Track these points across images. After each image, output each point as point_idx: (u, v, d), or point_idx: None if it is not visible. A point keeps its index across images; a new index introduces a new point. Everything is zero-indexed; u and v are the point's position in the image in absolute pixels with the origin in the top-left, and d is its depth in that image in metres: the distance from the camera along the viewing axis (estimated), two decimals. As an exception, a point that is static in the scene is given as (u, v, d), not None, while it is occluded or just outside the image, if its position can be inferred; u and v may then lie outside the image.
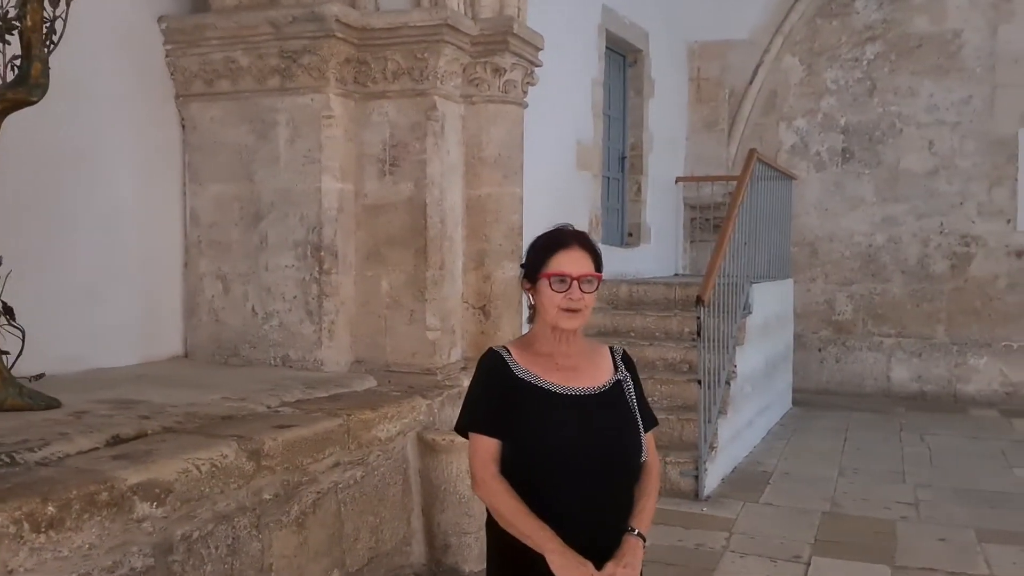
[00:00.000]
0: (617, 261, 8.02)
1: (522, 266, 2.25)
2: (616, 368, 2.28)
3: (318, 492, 3.37)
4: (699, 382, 5.66)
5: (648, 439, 2.27)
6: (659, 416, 5.83)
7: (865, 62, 9.61)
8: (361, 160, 4.69)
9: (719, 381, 6.04)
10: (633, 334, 6.80)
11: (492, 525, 2.20)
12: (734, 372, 6.36)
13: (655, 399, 6.14)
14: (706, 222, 9.43)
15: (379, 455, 3.79)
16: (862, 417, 8.40)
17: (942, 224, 9.42)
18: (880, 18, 9.54)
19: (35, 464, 2.58)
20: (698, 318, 5.64)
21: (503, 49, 4.77)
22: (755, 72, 9.73)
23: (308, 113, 4.55)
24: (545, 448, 2.10)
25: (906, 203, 9.52)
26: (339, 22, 4.41)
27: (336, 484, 3.49)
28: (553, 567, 2.01)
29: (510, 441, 2.13)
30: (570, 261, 2.14)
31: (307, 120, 4.55)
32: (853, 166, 9.70)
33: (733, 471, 6.27)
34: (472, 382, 2.27)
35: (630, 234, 8.71)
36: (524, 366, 2.19)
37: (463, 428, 2.23)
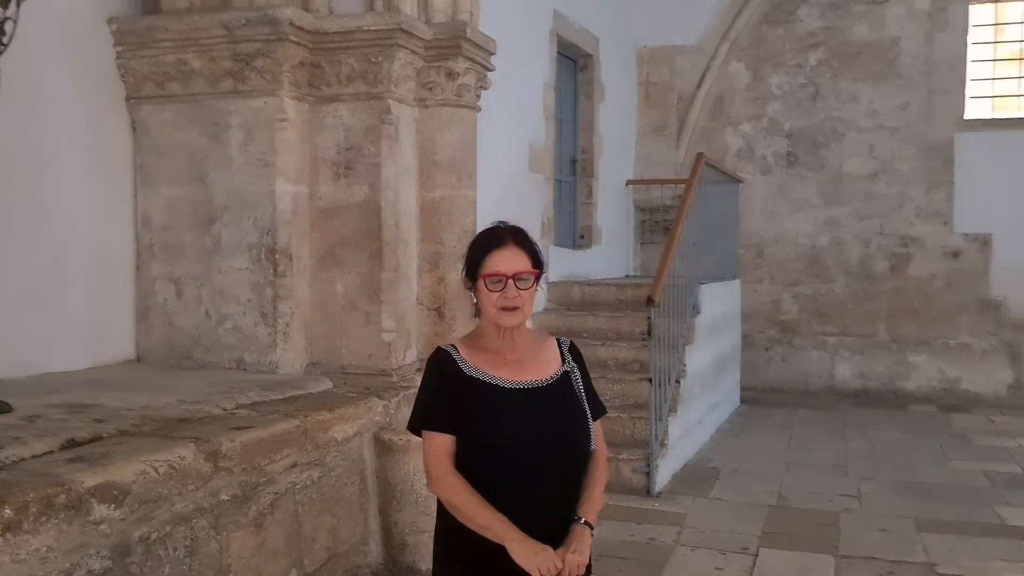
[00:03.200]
0: (569, 263, 8.12)
1: (464, 266, 2.26)
2: (563, 359, 2.32)
3: (276, 493, 3.39)
4: (650, 381, 5.77)
5: (596, 428, 2.31)
6: (612, 415, 5.97)
7: (808, 68, 9.85)
8: (315, 163, 4.70)
9: (669, 380, 6.16)
10: (586, 334, 6.89)
11: (443, 522, 2.23)
12: (684, 371, 6.49)
13: (607, 398, 6.23)
14: (656, 224, 9.58)
15: (336, 456, 3.82)
16: (808, 414, 8.61)
17: (882, 226, 9.69)
18: (823, 26, 9.79)
19: (-9, 468, 2.57)
20: (649, 318, 5.75)
21: (456, 53, 4.82)
22: (703, 77, 9.92)
23: (262, 116, 4.55)
24: (497, 442, 2.14)
25: (848, 205, 9.78)
26: (293, 25, 4.43)
27: (294, 485, 3.51)
28: (514, 556, 2.05)
29: (463, 437, 2.17)
30: (504, 260, 2.17)
31: (261, 123, 4.55)
32: (797, 169, 9.94)
33: (683, 467, 6.39)
34: (422, 381, 2.29)
35: (582, 236, 8.81)
36: (472, 363, 2.23)
37: (416, 427, 2.26)
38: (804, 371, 9.91)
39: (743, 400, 9.10)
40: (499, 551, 2.08)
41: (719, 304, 7.93)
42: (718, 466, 6.51)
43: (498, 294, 2.16)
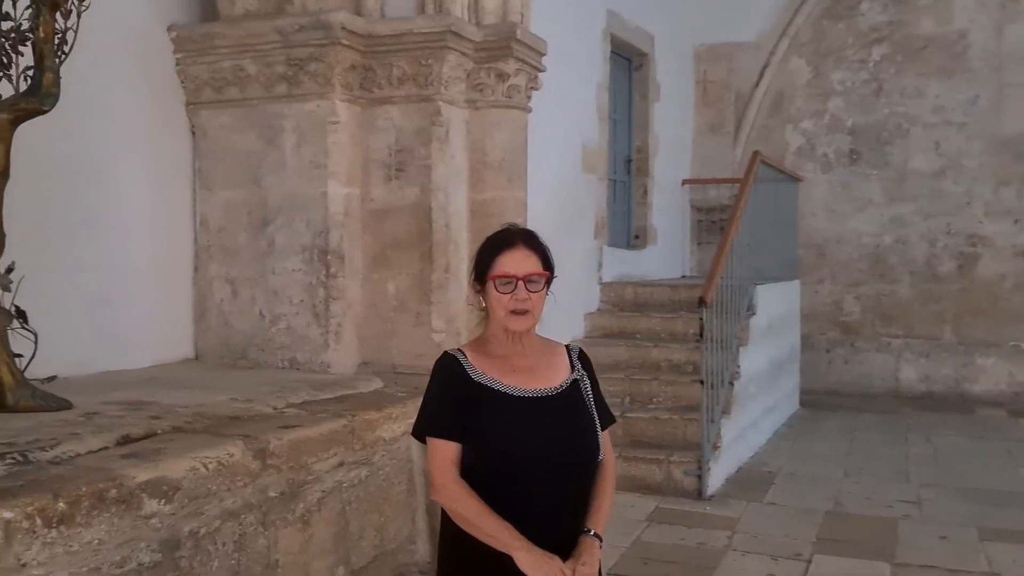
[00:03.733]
0: (623, 263, 8.08)
1: (472, 269, 2.22)
2: (573, 367, 2.27)
3: (323, 491, 3.45)
4: (701, 382, 5.71)
5: (605, 437, 2.26)
6: (663, 416, 5.94)
7: (871, 63, 9.63)
8: (367, 165, 4.76)
9: (723, 382, 6.09)
10: (638, 335, 6.85)
11: (447, 530, 2.20)
12: (738, 373, 6.41)
13: (660, 399, 6.21)
14: (712, 224, 9.46)
15: (384, 455, 3.86)
16: (869, 418, 8.42)
17: (949, 224, 9.43)
18: (886, 20, 9.57)
19: (47, 463, 2.66)
20: (701, 319, 5.70)
21: (507, 55, 4.83)
22: (761, 74, 9.77)
23: (314, 119, 4.62)
24: (505, 451, 2.10)
25: (913, 204, 9.54)
26: (345, 29, 4.49)
27: (341, 483, 3.56)
28: (521, 565, 2.01)
29: (469, 445, 2.12)
30: (514, 261, 2.12)
31: (313, 126, 4.63)
32: (860, 167, 9.73)
33: (737, 471, 6.31)
34: (428, 386, 2.24)
35: (636, 236, 8.76)
36: (480, 369, 2.17)
37: (421, 433, 2.22)
38: (867, 374, 9.70)
39: (802, 403, 8.94)
40: (504, 560, 2.04)
41: (776, 305, 7.81)
42: (774, 470, 6.41)
43: (508, 296, 2.11)
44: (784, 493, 5.83)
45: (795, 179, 8.91)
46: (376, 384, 4.43)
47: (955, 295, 9.43)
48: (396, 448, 3.95)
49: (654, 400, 6.18)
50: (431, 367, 4.61)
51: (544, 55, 5.09)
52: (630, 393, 6.18)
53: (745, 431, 6.65)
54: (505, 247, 2.15)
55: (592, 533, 2.14)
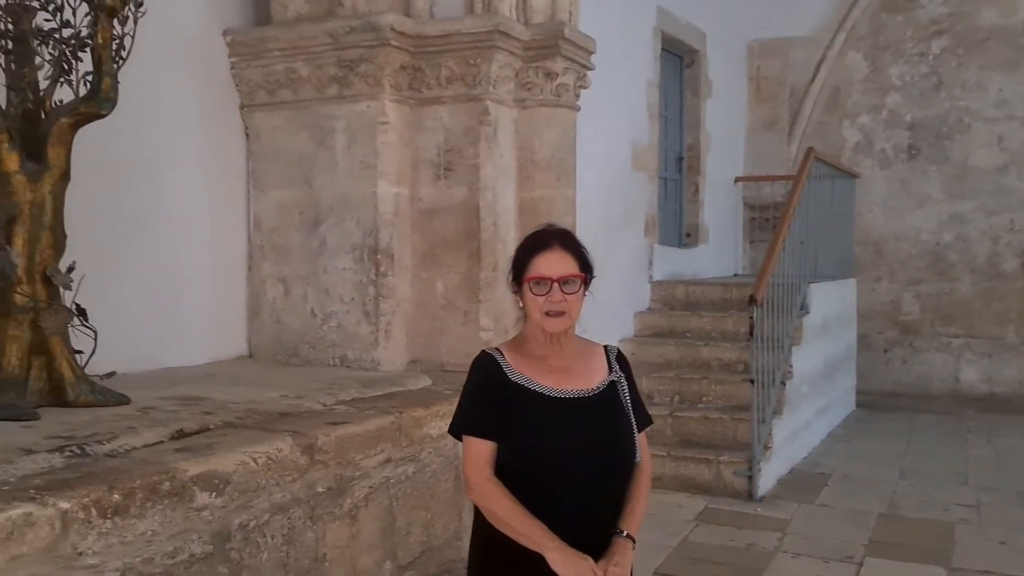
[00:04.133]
0: (674, 262, 8.03)
1: (510, 270, 2.22)
2: (611, 368, 2.26)
3: (370, 487, 3.49)
4: (752, 382, 5.65)
5: (641, 439, 2.26)
6: (713, 416, 5.90)
7: (931, 57, 9.42)
8: (416, 165, 4.81)
9: (774, 381, 6.02)
10: (689, 334, 6.81)
11: (479, 529, 2.22)
12: (790, 372, 6.33)
13: (710, 399, 6.16)
14: (766, 222, 9.34)
15: (431, 452, 3.90)
16: (928, 419, 8.25)
17: (1012, 221, 9.18)
18: (946, 12, 9.35)
19: (103, 455, 2.74)
20: (751, 318, 5.64)
21: (555, 53, 4.84)
22: (817, 69, 9.62)
23: (364, 120, 4.68)
24: (540, 451, 2.10)
25: (975, 200, 9.30)
26: (394, 31, 4.54)
27: (388, 479, 3.61)
28: (554, 565, 2.01)
29: (505, 444, 2.13)
30: (550, 263, 2.11)
31: (364, 127, 4.69)
32: (919, 163, 9.52)
33: (790, 472, 6.24)
34: (465, 384, 2.25)
35: (688, 235, 8.70)
36: (518, 369, 2.18)
37: (457, 431, 2.24)
38: (926, 375, 9.49)
39: (859, 404, 8.78)
40: (536, 559, 2.04)
41: (831, 304, 7.68)
42: (827, 471, 6.32)
43: (543, 298, 2.11)
44: (837, 495, 5.75)
45: (851, 175, 8.76)
46: (424, 382, 4.48)
47: (1019, 293, 9.18)
48: (443, 445, 3.99)
49: (704, 399, 6.13)
50: (476, 366, 4.63)
51: (593, 53, 5.09)
52: (680, 392, 6.14)
53: (798, 432, 6.57)
54: (540, 248, 2.14)
55: (625, 534, 2.14)
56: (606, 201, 6.44)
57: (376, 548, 3.52)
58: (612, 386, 2.24)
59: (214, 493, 2.77)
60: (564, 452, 2.10)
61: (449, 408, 4.00)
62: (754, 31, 9.54)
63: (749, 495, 5.58)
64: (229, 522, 2.84)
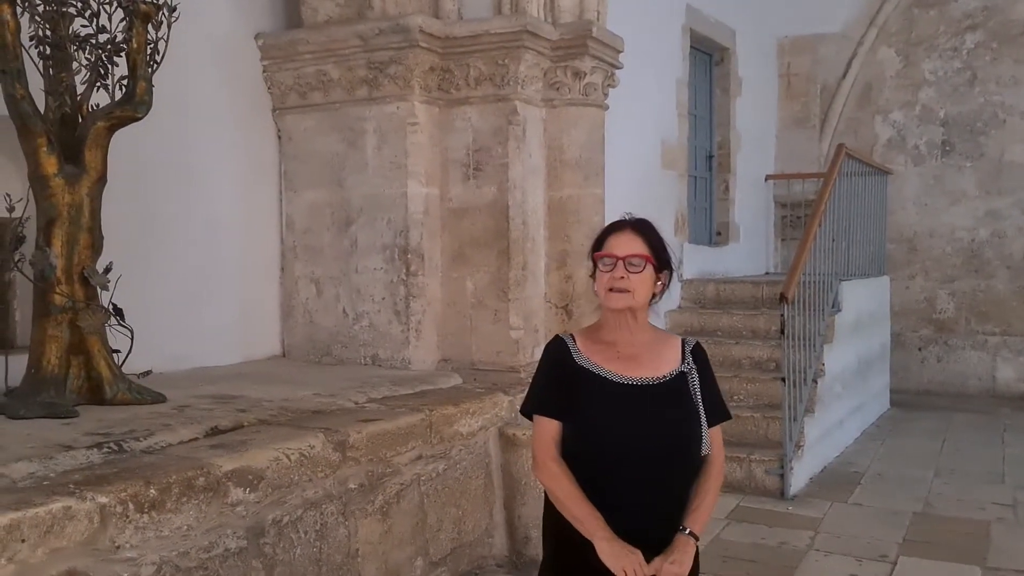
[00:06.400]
0: (705, 260, 8.00)
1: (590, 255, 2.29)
2: (683, 359, 2.27)
3: (401, 483, 3.53)
4: (783, 380, 5.62)
5: (714, 434, 2.25)
6: (744, 414, 5.87)
7: (965, 52, 9.29)
8: (446, 165, 4.84)
9: (806, 380, 5.98)
10: (720, 333, 6.78)
11: (549, 507, 2.27)
12: (822, 371, 6.28)
13: (741, 397, 6.13)
14: (798, 220, 9.26)
15: (461, 449, 3.94)
16: (964, 418, 8.13)
17: (1050, 218, 9.04)
18: (980, 6, 9.21)
19: (140, 452, 2.81)
20: (782, 316, 5.61)
21: (583, 53, 4.85)
22: (848, 65, 9.53)
23: (394, 121, 4.73)
24: (598, 435, 2.14)
25: (1011, 196, 9.16)
26: (423, 32, 4.58)
27: (419, 476, 3.64)
28: (601, 555, 2.05)
29: (568, 426, 2.18)
30: (618, 243, 2.18)
31: (393, 127, 4.73)
32: (953, 159, 9.40)
33: (822, 471, 6.18)
34: (537, 366, 2.34)
35: (718, 233, 8.66)
36: (585, 353, 2.24)
37: (526, 410, 2.31)
38: (961, 373, 9.36)
39: (893, 403, 8.67)
40: (591, 545, 2.08)
41: (863, 301, 7.60)
42: (860, 470, 6.25)
43: (608, 275, 2.17)
44: (871, 494, 5.69)
45: (884, 172, 8.67)
46: (455, 380, 4.51)
47: (1057, 291, 9.03)
48: (473, 443, 4.02)
49: (735, 398, 6.10)
50: (509, 363, 4.68)
51: (621, 52, 5.09)
52: (712, 391, 6.11)
53: (830, 430, 6.51)
54: (614, 230, 2.22)
55: (688, 531, 2.15)
56: (635, 200, 6.36)
57: (408, 544, 3.56)
58: (681, 377, 2.25)
59: (248, 489, 2.82)
60: (621, 438, 2.14)
61: (479, 406, 4.07)
62: (784, 28, 9.46)
63: (781, 493, 5.54)
64: (263, 517, 2.89)
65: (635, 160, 6.61)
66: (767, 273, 9.26)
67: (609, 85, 5.13)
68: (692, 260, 7.62)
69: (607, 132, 5.15)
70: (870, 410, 7.88)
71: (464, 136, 4.79)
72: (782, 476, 5.57)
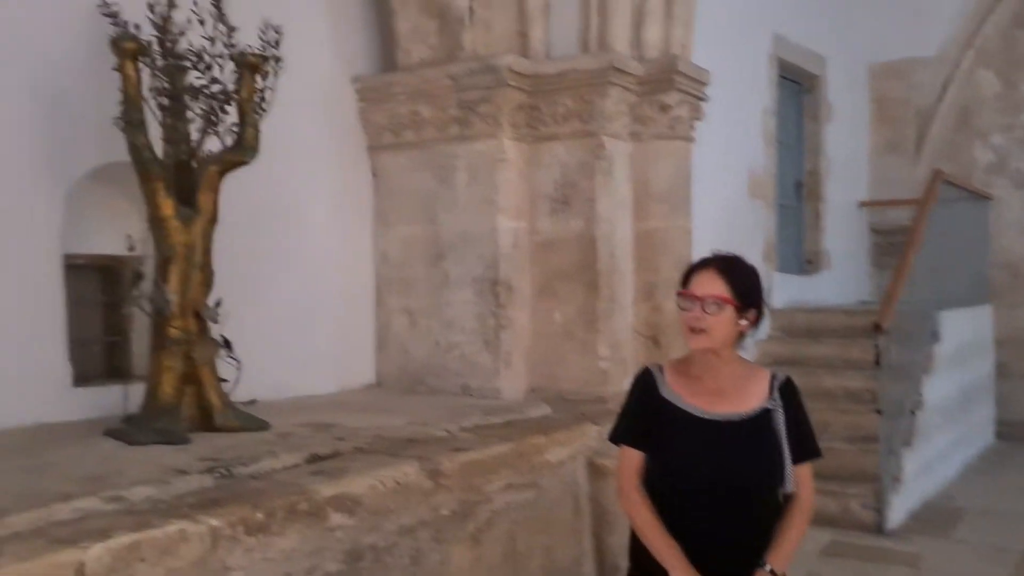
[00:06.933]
0: (795, 289, 7.90)
1: None
2: (771, 395, 2.27)
3: (492, 511, 3.62)
4: (879, 411, 5.51)
5: (802, 472, 2.25)
6: (839, 446, 5.77)
7: (1069, 71, 8.99)
8: (534, 199, 4.95)
9: (903, 411, 5.85)
10: (811, 363, 6.68)
11: (633, 535, 2.32)
12: (920, 402, 6.13)
13: (835, 429, 6.02)
14: (892, 247, 9.02)
15: (550, 478, 4.00)
16: (1075, 452, 7.79)
17: None
18: (1084, 24, 8.91)
19: (247, 477, 2.97)
20: (876, 346, 5.52)
21: (669, 87, 4.91)
22: (944, 89, 9.31)
23: (484, 157, 4.87)
24: (678, 468, 2.19)
25: (1122, 219, 8.78)
26: (512, 71, 4.72)
27: (509, 504, 3.72)
28: None
29: (650, 457, 2.24)
30: (698, 283, 2.21)
31: (483, 164, 4.87)
32: (1059, 182, 9.06)
33: (922, 505, 6.02)
34: (626, 396, 2.39)
35: (809, 261, 8.54)
36: (672, 386, 2.27)
37: (612, 438, 2.37)
38: (1072, 404, 8.95)
39: (998, 435, 8.37)
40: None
41: (964, 331, 7.39)
42: (963, 505, 6.07)
43: (688, 314, 2.21)
44: (974, 530, 5.51)
45: (984, 197, 8.42)
46: (544, 410, 4.59)
47: None
48: (562, 472, 4.08)
49: (829, 429, 5.99)
50: (597, 393, 4.74)
51: (707, 85, 5.13)
52: (803, 422, 6.02)
53: (931, 464, 6.33)
54: (698, 268, 2.26)
55: (768, 568, 2.16)
56: (723, 230, 6.42)
57: (498, 571, 3.64)
58: (765, 413, 2.25)
59: (346, 514, 2.95)
60: (702, 473, 2.17)
61: (568, 436, 4.14)
62: (876, 53, 9.31)
63: (878, 528, 5.42)
64: (360, 542, 3.01)
65: (722, 190, 6.61)
66: (862, 302, 9.04)
67: (695, 118, 5.17)
68: (781, 289, 7.53)
69: (694, 163, 5.18)
70: (973, 443, 7.63)
71: (552, 171, 4.90)
72: (879, 510, 5.45)
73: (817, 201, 8.57)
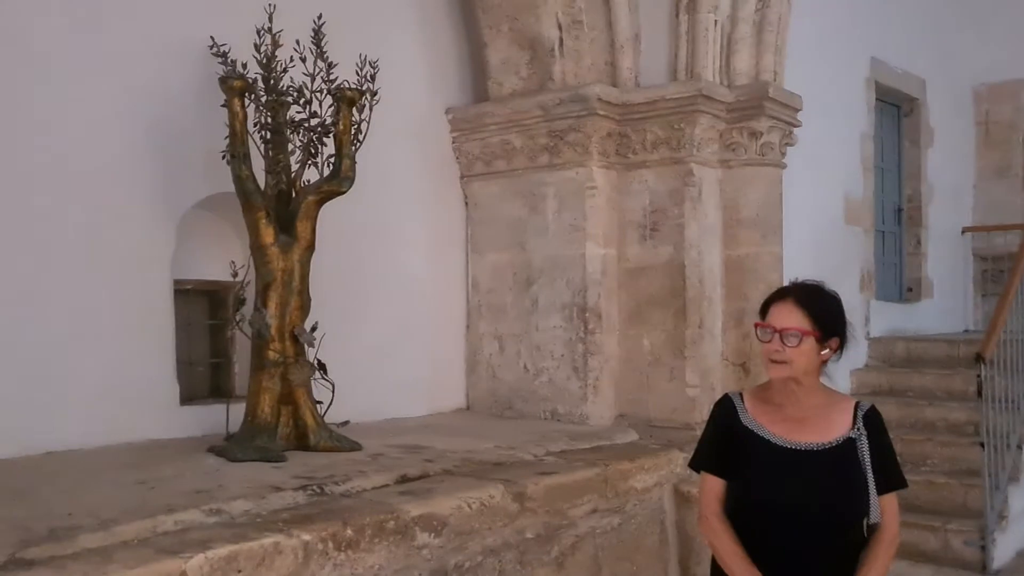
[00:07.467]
0: (895, 317, 7.68)
1: None
2: (854, 424, 2.25)
3: (576, 536, 3.65)
4: (981, 444, 5.31)
5: (886, 502, 2.22)
6: (939, 480, 5.58)
7: None
8: (623, 226, 4.99)
9: (1009, 445, 5.61)
10: (911, 393, 6.48)
11: (715, 562, 2.33)
12: (1028, 436, 5.88)
13: (935, 462, 5.83)
14: (999, 274, 8.69)
15: (636, 504, 4.01)
16: None
17: None
18: None
19: (339, 495, 3.08)
20: (978, 376, 5.32)
21: (759, 113, 4.89)
22: (1055, 110, 8.96)
23: (573, 185, 4.94)
24: (759, 497, 2.18)
25: None
26: (600, 100, 4.79)
27: (594, 529, 3.74)
28: None
29: (730, 485, 2.24)
30: (777, 315, 2.21)
31: (572, 192, 4.94)
32: None
33: (1031, 545, 5.75)
34: (706, 423, 2.42)
35: (909, 289, 8.29)
36: (752, 414, 2.28)
37: (692, 465, 2.40)
38: None
39: (1117, 473, 7.90)
40: None
41: (1078, 362, 7.04)
42: (1077, 546, 5.77)
43: (767, 345, 2.22)
44: (1089, 573, 5.25)
45: (1097, 222, 8.05)
46: (631, 436, 4.60)
47: None
48: (649, 498, 4.08)
49: (928, 462, 5.81)
50: (684, 420, 4.73)
51: (799, 111, 5.09)
52: (901, 454, 5.77)
53: (1040, 501, 6.04)
54: (777, 299, 2.27)
55: None
56: (817, 256, 6.31)
57: (582, 596, 3.66)
58: (849, 443, 2.23)
59: (433, 534, 3.02)
60: (782, 502, 2.16)
61: (654, 463, 4.14)
62: (980, 75, 9.02)
63: (982, 567, 5.20)
64: (446, 561, 3.08)
65: (816, 216, 6.51)
66: (966, 331, 8.74)
67: (787, 144, 5.13)
68: (880, 317, 7.34)
69: (786, 188, 5.13)
70: (1090, 481, 7.22)
71: (641, 198, 4.92)
72: (983, 548, 5.23)
73: (918, 227, 8.34)
